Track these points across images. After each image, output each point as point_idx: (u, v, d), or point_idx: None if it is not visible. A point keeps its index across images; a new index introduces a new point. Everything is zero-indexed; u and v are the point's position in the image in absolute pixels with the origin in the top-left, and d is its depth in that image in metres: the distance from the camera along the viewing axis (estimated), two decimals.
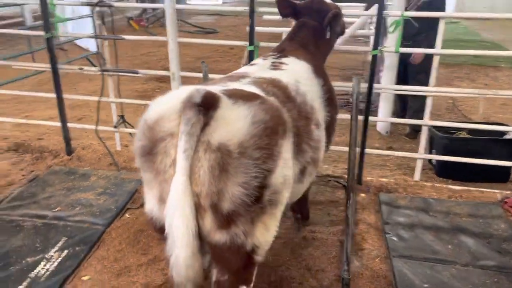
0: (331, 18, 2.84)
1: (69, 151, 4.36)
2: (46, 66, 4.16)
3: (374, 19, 4.24)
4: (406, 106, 5.32)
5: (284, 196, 1.93)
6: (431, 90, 3.57)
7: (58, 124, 4.34)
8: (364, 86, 3.60)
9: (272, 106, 1.90)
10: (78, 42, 9.50)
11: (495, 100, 6.65)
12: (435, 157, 4.10)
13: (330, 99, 2.68)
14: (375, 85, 3.70)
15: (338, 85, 4.01)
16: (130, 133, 4.36)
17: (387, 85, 4.73)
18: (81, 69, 4.16)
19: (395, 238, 3.08)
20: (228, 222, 1.77)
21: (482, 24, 13.83)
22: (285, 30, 3.57)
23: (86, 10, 5.81)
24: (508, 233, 3.13)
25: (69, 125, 4.39)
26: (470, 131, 4.36)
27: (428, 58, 4.78)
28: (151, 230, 3.05)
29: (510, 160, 3.75)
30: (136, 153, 1.89)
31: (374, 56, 3.44)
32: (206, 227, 1.79)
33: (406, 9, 4.65)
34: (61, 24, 10.66)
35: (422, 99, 3.87)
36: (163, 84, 7.26)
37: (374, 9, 3.75)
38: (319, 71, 2.69)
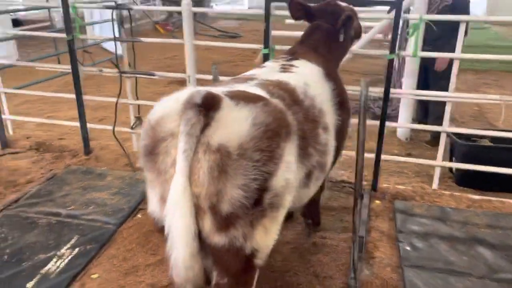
0: (344, 21, 2.79)
1: (88, 151, 4.45)
2: (67, 67, 4.25)
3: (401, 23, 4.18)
4: (427, 112, 5.19)
5: (286, 199, 1.90)
6: (450, 96, 3.47)
7: (78, 124, 4.43)
8: (380, 90, 3.52)
9: (275, 108, 1.88)
10: (104, 45, 9.72)
11: None
12: (454, 165, 3.97)
13: (342, 103, 2.63)
14: (393, 90, 3.62)
15: (357, 90, 3.96)
16: None
17: (408, 90, 4.63)
18: (100, 70, 4.25)
19: (408, 247, 2.99)
20: (227, 224, 1.75)
21: None
22: None
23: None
24: None
25: (88, 125, 4.48)
26: (493, 138, 4.21)
27: (451, 64, 4.66)
28: (154, 230, 3.07)
29: None
30: (140, 152, 1.90)
31: (391, 61, 3.36)
32: (206, 229, 1.78)
33: (427, 13, 4.55)
34: (89, 27, 10.96)
35: (444, 105, 3.76)
36: (184, 87, 7.31)
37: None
38: (331, 75, 2.64)
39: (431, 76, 4.86)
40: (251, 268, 1.89)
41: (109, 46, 9.68)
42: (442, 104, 3.81)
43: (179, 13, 14.02)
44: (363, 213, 3.40)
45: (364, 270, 2.77)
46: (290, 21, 4.26)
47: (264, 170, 1.73)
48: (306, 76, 2.44)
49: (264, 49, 3.59)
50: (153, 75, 4.05)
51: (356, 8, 4.52)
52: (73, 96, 4.27)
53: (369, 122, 3.77)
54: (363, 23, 4.91)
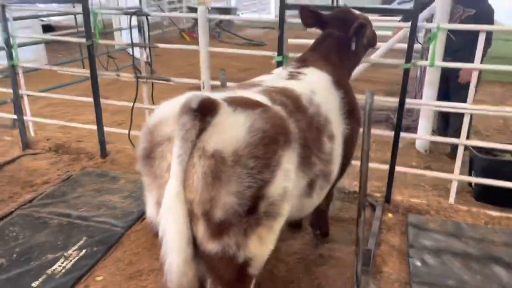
0: (356, 29, 2.75)
1: (104, 154, 4.52)
2: (86, 72, 4.34)
3: (422, 31, 4.09)
4: (448, 124, 5.04)
5: (283, 208, 1.85)
6: (468, 107, 3.35)
7: (95, 127, 4.51)
8: (395, 101, 3.44)
9: (274, 115, 1.85)
10: (129, 50, 9.92)
11: None
12: (472, 179, 3.83)
13: (351, 112, 2.58)
14: (410, 101, 3.53)
15: (382, 100, 3.88)
16: None
17: (428, 101, 4.52)
18: (117, 75, 4.31)
19: (418, 263, 2.89)
20: (220, 231, 1.72)
21: None
22: None
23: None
24: None
25: (105, 129, 4.55)
26: None
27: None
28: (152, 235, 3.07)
29: None
30: (138, 156, 1.90)
31: (406, 70, 3.28)
32: (199, 235, 1.76)
33: (449, 23, 4.44)
34: (117, 33, 11.21)
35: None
36: None
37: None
38: (340, 83, 2.60)
39: (452, 87, 4.72)
40: (245, 277, 1.85)
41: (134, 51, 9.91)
42: (463, 116, 3.69)
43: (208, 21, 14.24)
44: (374, 225, 3.32)
45: (370, 284, 2.69)
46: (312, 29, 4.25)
47: (259, 178, 1.69)
48: (313, 84, 2.41)
49: (277, 56, 3.56)
50: (169, 80, 4.08)
51: (376, 17, 4.50)
52: (89, 99, 4.35)
53: (388, 133, 3.69)
54: (383, 32, 4.86)
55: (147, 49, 4.42)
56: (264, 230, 1.80)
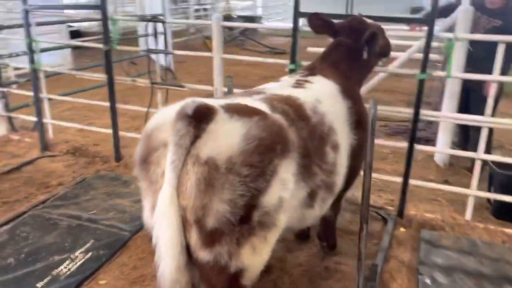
0: (368, 37, 2.70)
1: (118, 158, 4.57)
2: (103, 77, 4.41)
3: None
4: (468, 137, 4.87)
5: (278, 219, 1.81)
6: (486, 121, 3.23)
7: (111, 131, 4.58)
8: (410, 112, 3.35)
9: (272, 123, 1.82)
10: (152, 57, 10.06)
11: None
12: (489, 195, 3.67)
13: (359, 122, 2.52)
14: (425, 112, 3.43)
15: (397, 111, 3.80)
16: None
17: (447, 113, 4.38)
18: (133, 81, 4.37)
19: (428, 281, 2.78)
20: (212, 239, 1.70)
21: None
22: None
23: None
24: None
25: (120, 133, 4.61)
26: None
27: (502, 89, 4.35)
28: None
29: None
30: (135, 160, 1.90)
31: (421, 81, 3.19)
32: (192, 242, 1.74)
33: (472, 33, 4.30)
34: (142, 39, 11.43)
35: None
36: None
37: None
38: (348, 92, 2.54)
39: (472, 99, 4.57)
40: (237, 287, 1.81)
41: (156, 58, 10.07)
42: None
43: (230, 28, 14.28)
44: (384, 239, 3.23)
45: None
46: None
47: (253, 186, 1.66)
48: (319, 93, 2.37)
49: (290, 64, 3.53)
50: (183, 86, 4.10)
51: (395, 26, 4.40)
52: (105, 103, 4.43)
53: (404, 145, 3.59)
54: (402, 42, 4.75)
55: (168, 56, 4.46)
56: (258, 240, 1.76)
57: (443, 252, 3.09)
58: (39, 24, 4.84)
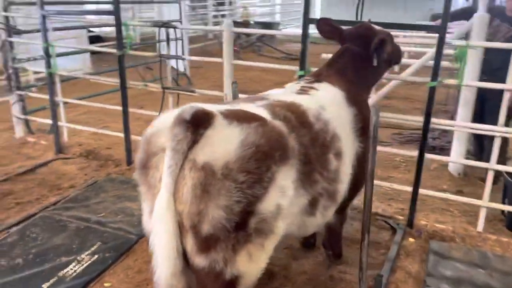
0: (377, 44, 2.67)
1: (129, 161, 4.61)
2: (116, 81, 4.48)
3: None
4: (483, 146, 4.76)
5: (276, 226, 1.80)
6: (499, 130, 3.16)
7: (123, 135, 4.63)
8: (420, 120, 3.30)
9: (271, 130, 1.81)
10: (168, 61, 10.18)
11: None
12: (503, 206, 3.58)
13: (365, 129, 2.48)
14: (435, 121, 3.37)
15: (409, 119, 3.74)
16: None
17: (460, 122, 4.30)
18: (145, 85, 4.42)
19: None
20: (207, 245, 1.70)
21: None
22: None
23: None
24: None
25: (132, 137, 4.66)
26: None
27: None
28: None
29: None
30: (135, 165, 1.92)
31: (432, 89, 3.14)
32: (188, 248, 1.74)
33: (490, 40, 4.22)
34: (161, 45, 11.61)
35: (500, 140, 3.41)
36: None
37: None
38: (354, 99, 2.52)
39: (487, 108, 4.47)
40: None
41: (172, 63, 10.18)
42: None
43: (247, 35, 14.31)
44: (392, 250, 3.17)
45: None
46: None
47: (249, 193, 1.66)
48: (324, 99, 2.35)
49: (300, 71, 3.52)
50: (194, 91, 4.13)
51: (409, 33, 4.36)
52: (118, 107, 4.49)
53: (415, 153, 3.52)
54: (416, 49, 4.70)
55: (184, 61, 4.50)
56: (254, 247, 1.75)
57: (452, 264, 3.01)
58: (56, 29, 4.95)
